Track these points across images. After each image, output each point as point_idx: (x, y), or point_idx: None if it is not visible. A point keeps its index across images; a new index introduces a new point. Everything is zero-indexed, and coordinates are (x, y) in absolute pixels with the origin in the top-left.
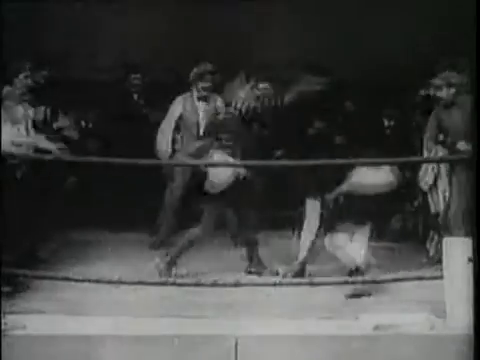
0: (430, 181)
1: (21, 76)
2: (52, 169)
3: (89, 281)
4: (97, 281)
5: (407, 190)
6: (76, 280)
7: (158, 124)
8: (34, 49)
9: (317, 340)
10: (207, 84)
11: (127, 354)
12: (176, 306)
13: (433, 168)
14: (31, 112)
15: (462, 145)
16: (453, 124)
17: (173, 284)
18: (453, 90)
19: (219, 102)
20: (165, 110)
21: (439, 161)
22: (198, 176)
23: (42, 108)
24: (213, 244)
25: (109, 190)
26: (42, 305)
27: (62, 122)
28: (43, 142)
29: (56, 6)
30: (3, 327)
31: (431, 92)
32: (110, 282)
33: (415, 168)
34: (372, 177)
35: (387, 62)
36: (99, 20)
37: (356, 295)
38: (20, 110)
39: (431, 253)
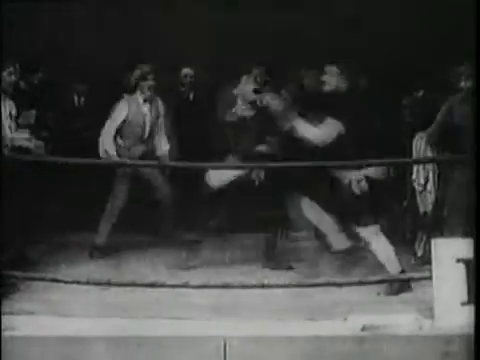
0: (422, 181)
1: (4, 73)
2: (42, 170)
3: (78, 283)
4: (86, 283)
5: (396, 189)
6: (65, 281)
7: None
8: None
9: (305, 341)
10: (152, 84)
11: (116, 355)
12: (165, 307)
13: (424, 167)
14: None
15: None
16: (463, 121)
17: (162, 285)
18: (467, 84)
19: (160, 103)
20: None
21: (439, 161)
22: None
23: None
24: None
25: (98, 191)
26: (32, 306)
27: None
28: (22, 140)
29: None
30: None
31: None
32: (99, 284)
33: (405, 167)
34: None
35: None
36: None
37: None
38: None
39: (419, 254)
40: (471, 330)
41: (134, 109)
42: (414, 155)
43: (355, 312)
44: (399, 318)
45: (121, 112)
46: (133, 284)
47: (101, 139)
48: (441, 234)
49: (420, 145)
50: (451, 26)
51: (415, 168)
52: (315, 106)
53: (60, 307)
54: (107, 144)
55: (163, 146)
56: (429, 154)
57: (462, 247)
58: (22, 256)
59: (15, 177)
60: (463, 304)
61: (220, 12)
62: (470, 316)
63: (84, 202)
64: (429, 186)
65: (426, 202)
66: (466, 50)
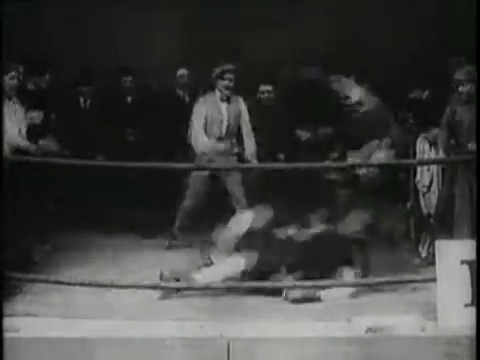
0: (426, 182)
1: (6, 77)
2: (46, 171)
3: (81, 284)
4: (90, 284)
5: (400, 191)
6: (68, 283)
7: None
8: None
9: (310, 342)
10: (229, 84)
11: (120, 357)
12: (169, 309)
13: (428, 169)
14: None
15: (471, 146)
16: (468, 121)
17: (165, 287)
18: (473, 86)
19: (242, 104)
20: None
21: (443, 162)
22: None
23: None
24: None
25: (101, 193)
26: (34, 308)
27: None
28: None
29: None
30: None
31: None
32: (102, 285)
33: (408, 169)
34: None
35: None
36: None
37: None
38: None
39: (423, 255)
40: (474, 332)
41: (212, 108)
42: (418, 156)
43: (359, 313)
44: (403, 319)
45: (200, 111)
46: (135, 286)
47: (194, 137)
48: (445, 236)
49: (423, 146)
50: (452, 26)
51: (419, 169)
52: None
53: (62, 309)
54: (201, 142)
55: (250, 146)
56: (433, 155)
57: (466, 249)
58: (25, 258)
59: (18, 178)
60: (466, 306)
61: None
62: (473, 318)
63: (89, 203)
64: (433, 187)
65: (430, 203)
66: (466, 51)
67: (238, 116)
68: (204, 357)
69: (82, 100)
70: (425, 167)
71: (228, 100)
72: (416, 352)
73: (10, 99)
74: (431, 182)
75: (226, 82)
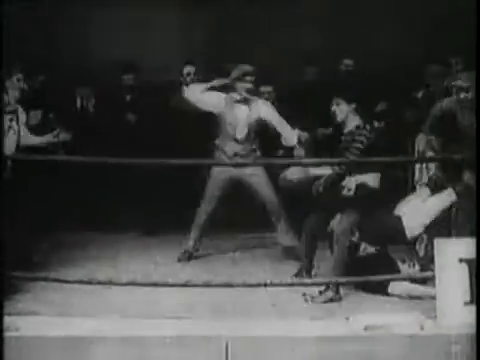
0: (424, 181)
1: (13, 79)
2: (45, 169)
3: (80, 282)
4: (89, 282)
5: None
6: (67, 281)
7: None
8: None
9: (308, 341)
10: (247, 86)
11: (119, 355)
12: (167, 307)
13: (427, 167)
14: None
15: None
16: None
17: (164, 285)
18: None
19: (262, 105)
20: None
21: (440, 161)
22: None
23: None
24: None
25: (101, 191)
26: (35, 307)
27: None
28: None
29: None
30: None
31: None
32: (101, 283)
33: (406, 168)
34: None
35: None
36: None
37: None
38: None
39: (421, 254)
40: (473, 330)
41: (228, 108)
42: (415, 156)
43: (357, 312)
44: (401, 318)
45: (216, 99)
46: (134, 283)
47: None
48: (444, 234)
49: (421, 145)
50: (451, 26)
51: (417, 168)
52: None
53: (63, 307)
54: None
55: (288, 138)
56: (430, 154)
57: (465, 247)
58: (25, 256)
59: (18, 177)
60: (466, 304)
61: None
62: (473, 316)
63: (88, 202)
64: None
65: None
66: (466, 49)
67: (258, 119)
68: (203, 356)
69: (79, 101)
70: (423, 166)
71: (246, 102)
72: (415, 351)
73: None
74: (428, 180)
75: (246, 84)
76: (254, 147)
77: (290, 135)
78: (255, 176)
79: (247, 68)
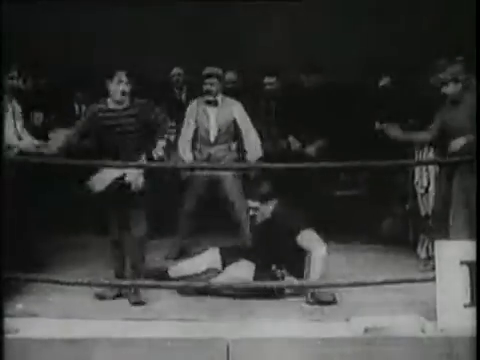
0: (425, 184)
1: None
2: (46, 171)
3: (81, 284)
4: (89, 284)
5: (399, 193)
6: (68, 283)
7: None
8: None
9: (308, 343)
10: (210, 88)
11: (120, 357)
12: (169, 309)
13: (427, 169)
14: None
15: (456, 143)
16: (458, 123)
17: (165, 287)
18: (460, 86)
19: (236, 107)
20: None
21: (441, 163)
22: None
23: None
24: None
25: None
26: (35, 308)
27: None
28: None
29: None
30: None
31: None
32: (101, 285)
33: (407, 171)
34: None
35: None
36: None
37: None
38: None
39: (422, 256)
40: (474, 332)
41: (200, 112)
42: (416, 158)
43: (357, 314)
44: (401, 320)
45: (188, 118)
46: (135, 285)
47: (181, 149)
48: (444, 236)
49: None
50: (451, 26)
51: (417, 170)
52: None
53: (63, 309)
54: (181, 149)
55: (251, 150)
56: (431, 156)
57: (465, 249)
58: (25, 258)
59: (18, 178)
60: (466, 306)
61: None
62: (473, 318)
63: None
64: (431, 188)
65: (428, 204)
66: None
67: (231, 120)
68: (204, 358)
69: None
70: (424, 168)
71: (215, 104)
72: (415, 352)
73: (10, 100)
74: (429, 183)
75: (207, 86)
76: (232, 149)
77: (254, 145)
78: (227, 180)
79: (210, 69)
